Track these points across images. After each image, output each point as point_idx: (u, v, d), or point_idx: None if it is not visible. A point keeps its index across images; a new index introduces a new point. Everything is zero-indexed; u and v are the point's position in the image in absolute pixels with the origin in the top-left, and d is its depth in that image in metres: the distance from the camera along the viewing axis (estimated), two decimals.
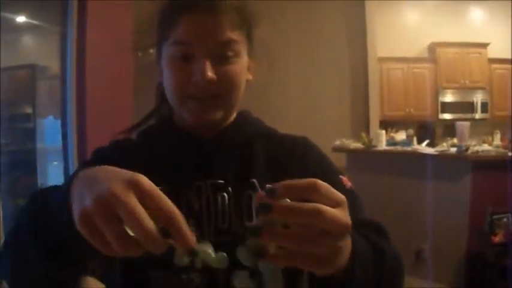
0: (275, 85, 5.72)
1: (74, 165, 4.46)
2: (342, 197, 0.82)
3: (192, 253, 0.75)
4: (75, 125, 4.46)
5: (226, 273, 1.14)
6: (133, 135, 1.39)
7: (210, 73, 1.16)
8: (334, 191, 0.82)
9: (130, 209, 0.70)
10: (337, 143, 6.40)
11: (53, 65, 4.91)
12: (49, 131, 5.17)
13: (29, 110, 5.28)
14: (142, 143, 1.34)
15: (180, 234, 0.72)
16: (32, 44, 5.47)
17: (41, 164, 5.18)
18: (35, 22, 5.06)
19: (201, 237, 1.18)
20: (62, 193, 0.84)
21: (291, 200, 0.77)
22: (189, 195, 1.22)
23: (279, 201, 0.76)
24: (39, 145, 5.24)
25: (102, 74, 4.41)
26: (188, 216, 1.20)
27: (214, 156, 1.27)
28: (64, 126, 4.61)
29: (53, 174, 5.06)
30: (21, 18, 4.99)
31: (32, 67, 5.24)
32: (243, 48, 1.24)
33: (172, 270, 1.14)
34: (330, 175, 1.32)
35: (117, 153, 1.31)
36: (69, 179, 0.84)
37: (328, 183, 1.32)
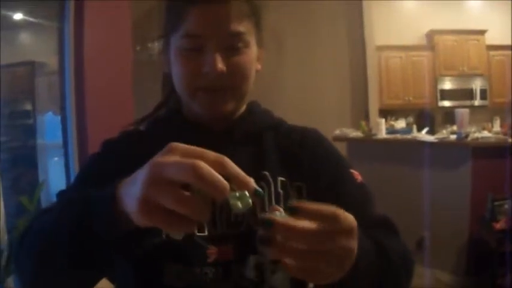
0: (274, 75, 5.71)
1: (74, 160, 4.46)
2: (354, 224, 0.80)
3: (256, 193, 0.75)
4: (75, 121, 4.46)
5: (240, 267, 1.14)
6: (142, 127, 1.38)
7: (220, 65, 1.15)
8: (351, 219, 0.79)
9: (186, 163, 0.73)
10: (337, 132, 6.41)
11: (51, 61, 4.91)
12: (49, 127, 5.18)
13: (28, 107, 5.29)
14: (152, 134, 1.33)
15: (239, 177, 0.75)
16: (30, 41, 5.47)
17: (41, 160, 5.19)
18: (32, 19, 5.05)
19: (213, 229, 1.17)
20: (104, 202, 0.85)
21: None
22: None
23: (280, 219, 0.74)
24: (39, 141, 5.25)
25: (100, 69, 4.41)
26: None
27: (225, 148, 1.23)
28: (64, 122, 4.61)
29: (54, 170, 5.06)
30: (18, 16, 4.99)
31: (31, 64, 5.24)
32: (252, 39, 1.23)
33: (186, 263, 1.13)
34: (341, 169, 1.33)
35: (127, 144, 1.32)
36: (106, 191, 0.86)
37: (339, 177, 1.32)
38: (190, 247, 1.13)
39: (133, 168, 0.84)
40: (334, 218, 0.76)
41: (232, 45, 1.18)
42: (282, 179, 1.25)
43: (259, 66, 1.30)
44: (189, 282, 1.13)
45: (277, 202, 1.21)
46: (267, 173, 1.24)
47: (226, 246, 1.15)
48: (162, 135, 1.30)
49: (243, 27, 1.18)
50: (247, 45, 1.21)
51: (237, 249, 1.15)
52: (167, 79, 1.33)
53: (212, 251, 1.15)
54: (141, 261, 1.16)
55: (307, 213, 0.74)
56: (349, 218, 0.78)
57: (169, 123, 1.34)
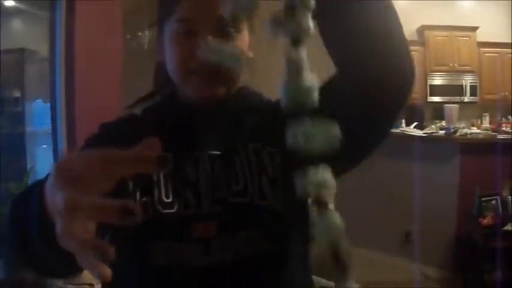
0: (264, 64, 5.71)
1: (63, 148, 4.45)
2: None
3: None
4: (64, 108, 4.44)
5: (223, 244, 1.17)
6: (137, 111, 1.40)
7: None
8: None
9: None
10: None
11: (41, 48, 4.88)
12: (38, 115, 5.15)
13: (17, 94, 5.26)
14: (147, 118, 1.35)
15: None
16: (20, 28, 5.44)
17: (30, 147, 5.17)
18: (23, 7, 5.02)
19: (198, 207, 1.19)
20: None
21: None
22: (187, 166, 1.23)
23: None
24: (28, 129, 5.22)
25: (90, 58, 4.39)
26: (186, 185, 1.20)
27: (214, 127, 1.29)
28: (53, 109, 4.59)
29: (42, 158, 5.05)
30: (9, 3, 4.96)
31: (21, 51, 5.21)
32: (243, 25, 1.25)
33: (170, 239, 1.16)
34: None
35: (124, 128, 1.34)
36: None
37: None
38: (176, 223, 1.16)
39: None
40: None
41: (224, 30, 1.19)
42: (255, 145, 1.27)
43: (251, 54, 1.32)
44: (172, 258, 1.15)
45: (250, 170, 1.24)
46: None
47: (209, 223, 1.18)
48: (156, 118, 1.32)
49: None
50: (238, 30, 1.23)
51: (217, 226, 1.17)
52: (160, 68, 1.35)
53: (198, 229, 1.17)
54: (125, 241, 1.16)
55: None
56: None
57: (163, 107, 1.36)
